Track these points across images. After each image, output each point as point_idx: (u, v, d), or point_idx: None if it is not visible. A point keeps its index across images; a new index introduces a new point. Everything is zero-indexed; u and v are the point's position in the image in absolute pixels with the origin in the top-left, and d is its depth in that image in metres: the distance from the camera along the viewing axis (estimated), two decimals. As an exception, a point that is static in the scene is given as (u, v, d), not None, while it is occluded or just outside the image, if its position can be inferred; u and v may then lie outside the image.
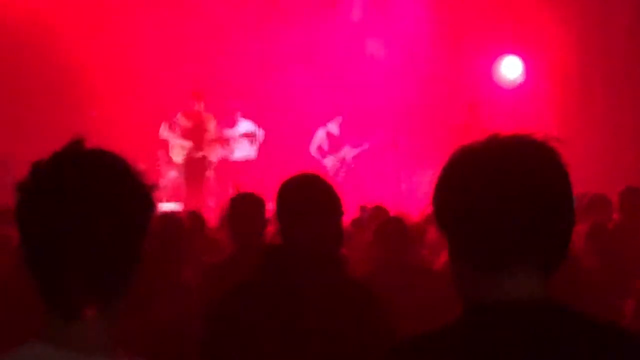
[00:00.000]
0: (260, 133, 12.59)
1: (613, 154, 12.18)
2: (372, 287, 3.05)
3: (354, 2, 14.31)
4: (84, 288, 1.53)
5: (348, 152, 12.83)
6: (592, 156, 11.34)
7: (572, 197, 1.57)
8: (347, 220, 6.13)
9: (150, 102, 12.70)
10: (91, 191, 1.52)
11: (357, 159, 12.86)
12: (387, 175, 13.23)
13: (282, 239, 2.90)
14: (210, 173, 12.50)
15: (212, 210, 11.77)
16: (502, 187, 1.51)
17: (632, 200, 6.41)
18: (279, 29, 13.52)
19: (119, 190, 1.56)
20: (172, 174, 12.64)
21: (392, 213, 6.17)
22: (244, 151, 12.65)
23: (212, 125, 12.05)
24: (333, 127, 12.88)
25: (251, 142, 12.68)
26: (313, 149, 12.84)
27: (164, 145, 12.30)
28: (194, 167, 11.99)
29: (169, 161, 12.47)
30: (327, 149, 12.86)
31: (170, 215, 4.79)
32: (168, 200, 12.03)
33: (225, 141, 12.44)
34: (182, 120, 11.94)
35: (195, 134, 11.93)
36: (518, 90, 13.60)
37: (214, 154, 12.37)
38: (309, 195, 2.87)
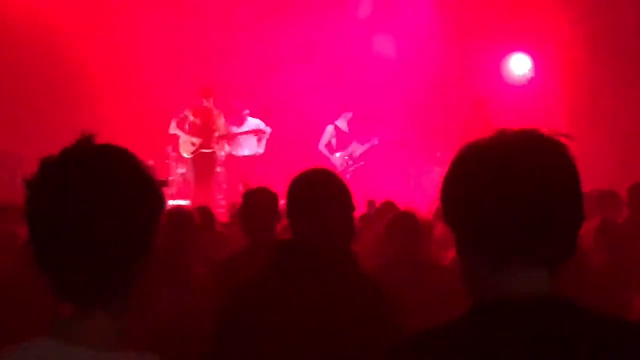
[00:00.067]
0: (267, 130, 12.58)
1: (622, 150, 12.15)
2: (381, 282, 3.04)
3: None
4: (93, 284, 1.53)
5: (356, 149, 12.81)
6: (601, 153, 11.30)
7: (580, 193, 1.57)
8: (355, 216, 6.11)
9: (159, 98, 12.72)
10: (100, 187, 1.52)
11: (365, 156, 12.85)
12: (395, 172, 13.22)
13: (293, 234, 2.89)
14: (219, 169, 12.52)
15: (222, 206, 11.81)
16: (509, 182, 1.51)
17: (641, 197, 6.39)
18: (286, 27, 13.51)
19: (128, 186, 1.56)
20: (181, 170, 12.67)
21: (400, 209, 6.16)
22: (251, 148, 12.66)
23: (221, 122, 12.05)
24: (342, 124, 12.86)
25: (259, 139, 12.68)
26: (322, 145, 12.83)
27: (173, 141, 12.32)
28: (203, 163, 12.00)
29: (178, 157, 12.49)
30: (335, 146, 12.85)
31: (180, 211, 4.79)
32: (177, 197, 12.06)
33: (233, 138, 12.45)
34: (191, 116, 11.95)
35: (205, 131, 11.94)
36: (527, 87, 13.58)
37: (223, 151, 12.40)
38: (320, 191, 2.86)
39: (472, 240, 1.58)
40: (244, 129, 12.54)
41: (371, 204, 7.57)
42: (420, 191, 12.24)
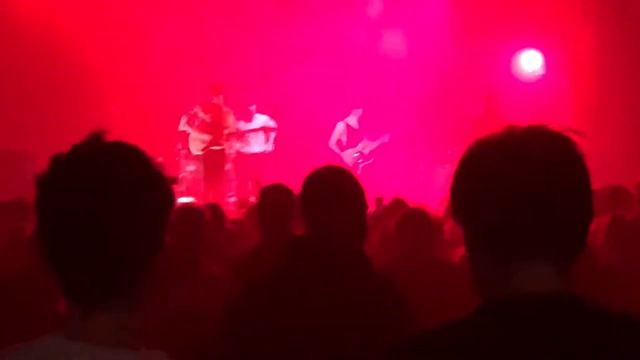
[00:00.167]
0: (276, 127, 12.59)
1: (633, 147, 12.09)
2: (393, 279, 3.03)
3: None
4: (102, 280, 1.54)
5: (366, 146, 12.80)
6: (612, 149, 11.26)
7: (590, 190, 1.56)
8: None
9: (169, 96, 12.75)
10: (110, 184, 1.52)
11: (375, 153, 12.84)
12: (404, 169, 13.21)
13: (307, 231, 2.88)
14: (228, 166, 12.53)
15: (231, 203, 11.83)
16: (518, 179, 1.50)
17: (652, 194, 6.37)
18: (297, 24, 13.52)
19: (138, 183, 1.56)
20: (191, 168, 12.69)
21: (410, 206, 6.13)
22: (260, 145, 12.67)
23: (230, 119, 12.07)
24: (352, 121, 12.85)
25: (267, 136, 12.69)
26: (332, 142, 12.82)
27: (183, 138, 12.35)
28: (213, 160, 12.02)
29: (188, 154, 12.52)
30: (345, 143, 12.84)
31: (191, 208, 4.79)
32: (187, 194, 12.09)
33: (242, 135, 12.46)
34: (200, 113, 11.97)
35: (214, 128, 11.96)
36: (537, 84, 13.54)
37: (232, 148, 12.41)
38: (334, 188, 2.85)
39: (482, 237, 1.57)
40: (253, 125, 12.55)
41: (379, 201, 7.54)
42: (430, 188, 12.23)
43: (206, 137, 11.96)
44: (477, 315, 1.55)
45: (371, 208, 7.27)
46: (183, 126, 12.02)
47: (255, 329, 2.71)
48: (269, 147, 12.69)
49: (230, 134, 12.13)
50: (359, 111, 12.83)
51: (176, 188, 1.64)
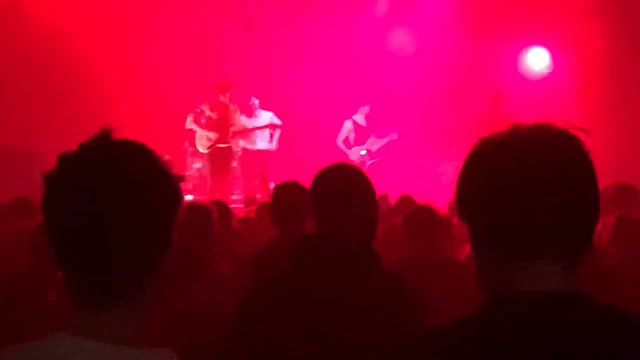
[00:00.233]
0: (281, 124, 12.59)
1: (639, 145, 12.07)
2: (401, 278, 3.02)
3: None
4: (110, 279, 1.54)
5: (375, 143, 12.78)
6: (619, 148, 11.23)
7: (596, 187, 1.55)
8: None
9: (176, 94, 12.77)
10: (118, 182, 1.53)
11: (383, 151, 12.82)
12: (411, 166, 13.20)
13: (318, 229, 2.87)
14: (235, 164, 12.55)
15: (238, 201, 11.84)
16: (524, 177, 1.50)
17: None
18: (304, 22, 13.52)
19: (146, 180, 1.56)
20: (198, 165, 12.71)
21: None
22: (265, 142, 12.67)
23: (237, 117, 12.08)
24: (360, 118, 12.84)
25: (273, 133, 12.70)
26: (340, 141, 12.82)
27: (190, 136, 12.37)
28: (220, 158, 12.03)
29: (195, 152, 12.53)
30: (353, 141, 12.83)
31: (200, 206, 4.80)
32: (193, 192, 12.11)
33: (247, 132, 12.47)
34: (207, 111, 11.98)
35: (221, 126, 11.96)
36: (544, 82, 13.52)
37: (238, 146, 12.43)
38: (346, 186, 2.85)
39: (487, 235, 1.57)
40: (259, 123, 12.55)
41: (383, 199, 7.52)
42: (437, 186, 12.22)
43: (213, 135, 11.96)
44: (483, 314, 1.54)
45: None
46: (190, 124, 12.04)
47: (265, 327, 2.70)
48: (274, 145, 12.69)
49: (236, 132, 12.14)
50: (367, 108, 12.82)
51: (183, 186, 1.64)
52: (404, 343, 1.59)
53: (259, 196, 10.79)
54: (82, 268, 1.54)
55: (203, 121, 12.01)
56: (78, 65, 12.45)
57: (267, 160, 12.52)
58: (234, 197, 12.42)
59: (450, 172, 12.10)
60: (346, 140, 12.84)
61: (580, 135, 1.56)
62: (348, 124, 12.81)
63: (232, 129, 12.00)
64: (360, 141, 12.80)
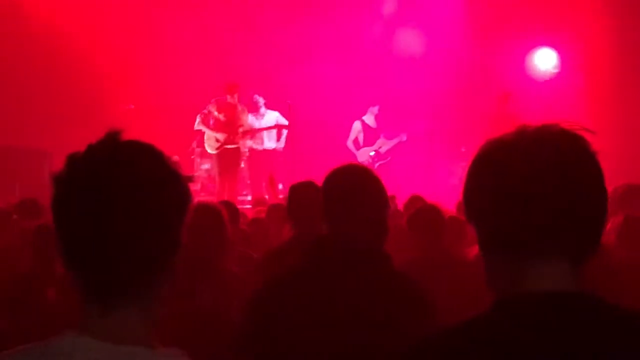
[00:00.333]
0: (287, 124, 12.59)
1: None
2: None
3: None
4: (119, 279, 1.54)
5: (384, 144, 12.77)
6: (628, 148, 11.21)
7: (603, 188, 1.56)
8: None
9: (184, 94, 12.78)
10: (126, 182, 1.53)
11: (392, 151, 12.80)
12: (420, 167, 13.19)
13: (329, 229, 2.87)
14: (243, 165, 12.56)
15: (246, 201, 11.85)
16: (532, 178, 1.51)
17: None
18: (313, 22, 13.52)
19: (154, 181, 1.56)
20: (206, 166, 12.72)
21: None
22: (272, 142, 12.68)
23: (245, 117, 12.09)
24: (369, 119, 12.82)
25: (280, 133, 12.71)
26: (349, 142, 12.80)
27: (198, 137, 12.38)
28: (228, 158, 12.04)
29: (203, 153, 12.55)
30: (362, 142, 12.81)
31: (210, 206, 4.80)
32: (201, 192, 12.13)
33: (254, 132, 12.48)
34: (215, 112, 11.99)
35: (229, 126, 11.98)
36: (552, 82, 13.49)
37: (246, 146, 12.44)
38: (356, 186, 2.85)
39: (495, 236, 1.57)
40: (265, 123, 12.55)
41: (390, 199, 7.51)
42: (445, 186, 12.20)
43: (221, 135, 11.98)
44: (491, 314, 1.55)
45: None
46: (198, 125, 12.06)
47: (275, 328, 2.70)
48: (281, 144, 12.69)
49: (244, 133, 12.15)
50: (375, 109, 12.79)
51: (192, 186, 1.65)
52: (416, 345, 1.59)
53: (267, 197, 10.80)
54: (90, 268, 1.54)
55: (211, 122, 12.03)
56: (78, 65, 12.46)
57: (275, 161, 12.52)
58: (242, 198, 12.42)
59: (458, 172, 12.08)
60: (355, 141, 12.83)
61: (587, 136, 1.56)
62: (357, 125, 12.80)
63: (240, 130, 12.01)
64: (369, 142, 12.78)
